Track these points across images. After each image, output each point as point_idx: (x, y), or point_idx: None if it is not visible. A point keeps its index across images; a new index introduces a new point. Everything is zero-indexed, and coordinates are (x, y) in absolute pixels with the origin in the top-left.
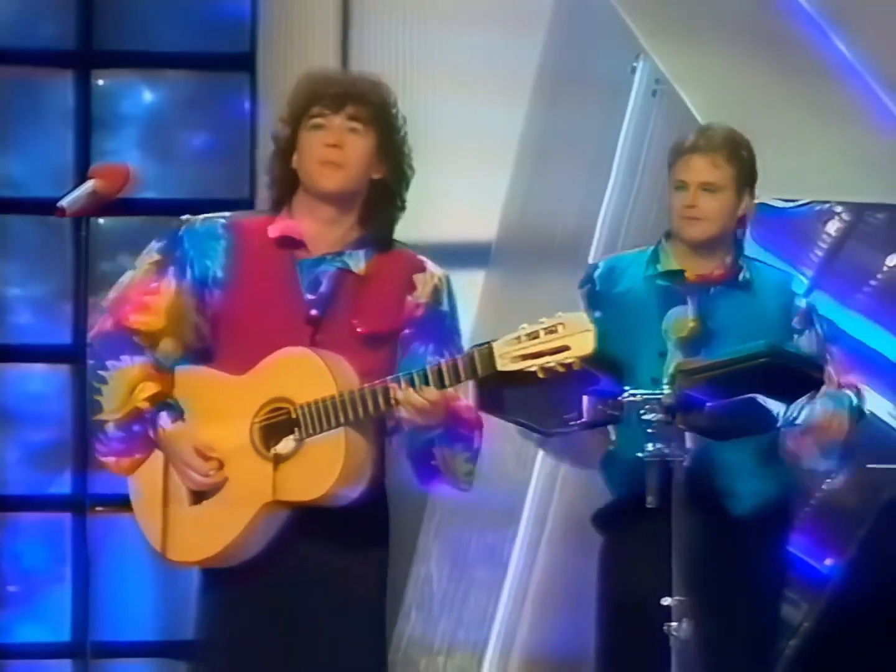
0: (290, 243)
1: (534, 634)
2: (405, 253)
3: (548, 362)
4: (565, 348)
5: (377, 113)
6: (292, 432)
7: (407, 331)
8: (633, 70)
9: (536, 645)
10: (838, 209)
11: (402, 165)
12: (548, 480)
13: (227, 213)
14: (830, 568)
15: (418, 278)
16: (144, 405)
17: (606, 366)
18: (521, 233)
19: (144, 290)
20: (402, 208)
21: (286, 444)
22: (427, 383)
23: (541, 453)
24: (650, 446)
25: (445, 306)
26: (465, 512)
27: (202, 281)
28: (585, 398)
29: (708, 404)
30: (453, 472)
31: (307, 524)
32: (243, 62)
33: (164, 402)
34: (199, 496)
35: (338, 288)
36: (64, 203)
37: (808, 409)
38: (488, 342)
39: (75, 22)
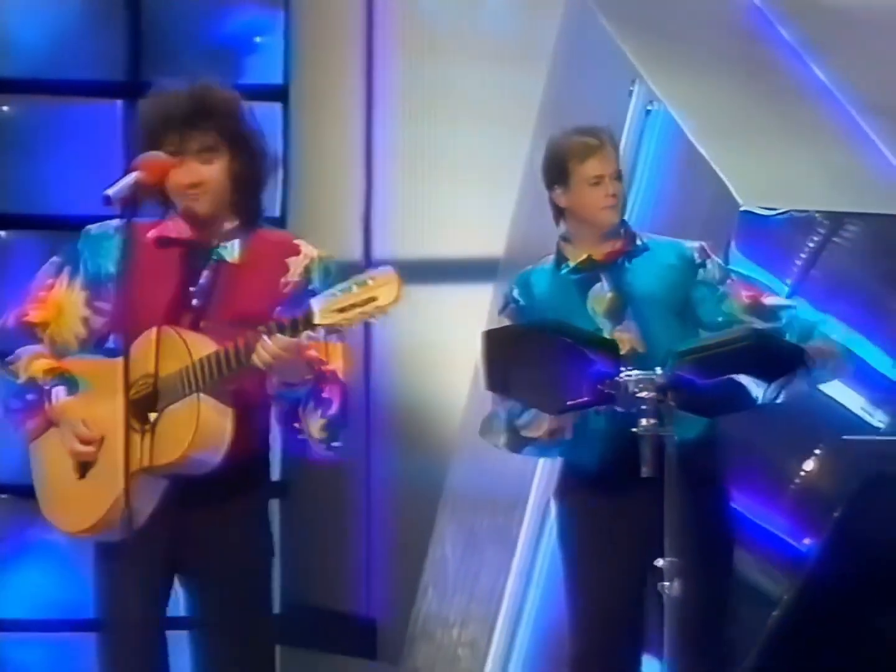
0: (167, 242)
1: (539, 608)
2: (281, 239)
3: (360, 313)
4: (374, 299)
5: (228, 133)
6: (155, 404)
7: (279, 309)
8: (630, 93)
9: (541, 617)
10: (817, 218)
11: (257, 159)
12: (551, 469)
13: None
14: (808, 547)
15: (291, 261)
16: (41, 377)
17: (601, 349)
18: (527, 248)
19: (40, 287)
20: (259, 185)
21: (153, 415)
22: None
23: None
24: (644, 422)
25: (315, 283)
26: (476, 499)
27: (95, 277)
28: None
29: (697, 383)
30: (312, 434)
31: (187, 494)
32: (276, 94)
33: (61, 377)
34: (84, 469)
35: (216, 278)
36: (110, 192)
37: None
38: (310, 302)
39: (125, 56)
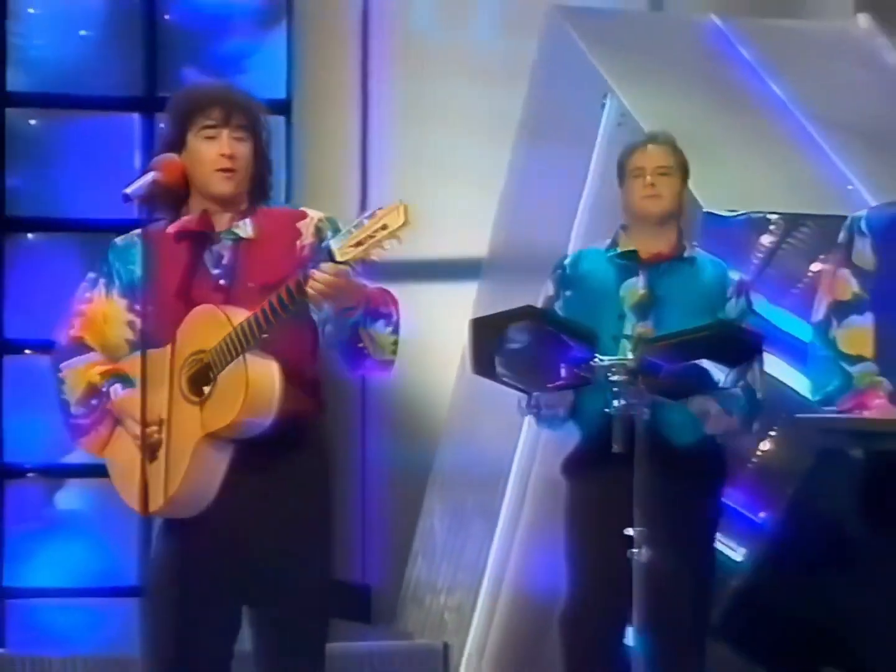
0: (188, 235)
1: (518, 576)
2: (285, 210)
3: (375, 242)
4: (385, 227)
5: (253, 121)
6: (209, 376)
7: (300, 271)
8: (603, 106)
9: (520, 584)
10: (772, 218)
11: (268, 147)
12: (531, 447)
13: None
14: (764, 519)
15: (301, 224)
16: (97, 379)
17: (578, 336)
18: (509, 249)
19: (80, 301)
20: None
21: (208, 387)
22: (298, 292)
23: (525, 425)
24: (616, 403)
25: (329, 240)
26: (461, 476)
27: (130, 284)
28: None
29: (664, 368)
30: (381, 347)
31: (250, 460)
32: (280, 107)
33: (117, 376)
34: (153, 454)
35: (237, 255)
36: (128, 190)
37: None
38: (328, 243)
39: (141, 73)
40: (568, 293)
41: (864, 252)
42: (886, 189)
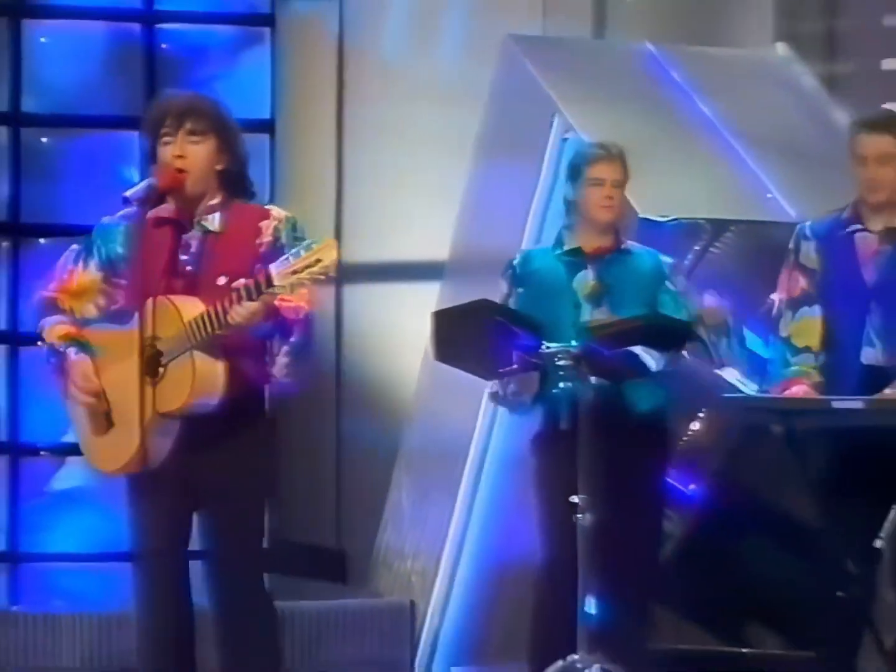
0: (162, 222)
1: (476, 542)
2: (255, 208)
3: (310, 273)
4: (319, 261)
5: (213, 122)
6: (160, 362)
7: (257, 266)
8: (550, 124)
9: (478, 550)
10: (700, 223)
11: (237, 146)
12: (487, 427)
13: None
14: (693, 491)
15: (263, 224)
16: (57, 342)
17: (527, 326)
18: (468, 252)
19: (63, 270)
20: (244, 166)
21: (159, 371)
22: (241, 297)
23: (482, 407)
24: (562, 385)
25: (283, 239)
26: (426, 454)
27: (109, 258)
28: (515, 351)
29: (604, 354)
30: (275, 361)
31: (197, 433)
32: (265, 126)
33: (75, 341)
34: (110, 421)
35: (203, 246)
36: (128, 193)
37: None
38: (268, 267)
39: (141, 94)
40: (521, 290)
41: (809, 254)
42: (801, 198)
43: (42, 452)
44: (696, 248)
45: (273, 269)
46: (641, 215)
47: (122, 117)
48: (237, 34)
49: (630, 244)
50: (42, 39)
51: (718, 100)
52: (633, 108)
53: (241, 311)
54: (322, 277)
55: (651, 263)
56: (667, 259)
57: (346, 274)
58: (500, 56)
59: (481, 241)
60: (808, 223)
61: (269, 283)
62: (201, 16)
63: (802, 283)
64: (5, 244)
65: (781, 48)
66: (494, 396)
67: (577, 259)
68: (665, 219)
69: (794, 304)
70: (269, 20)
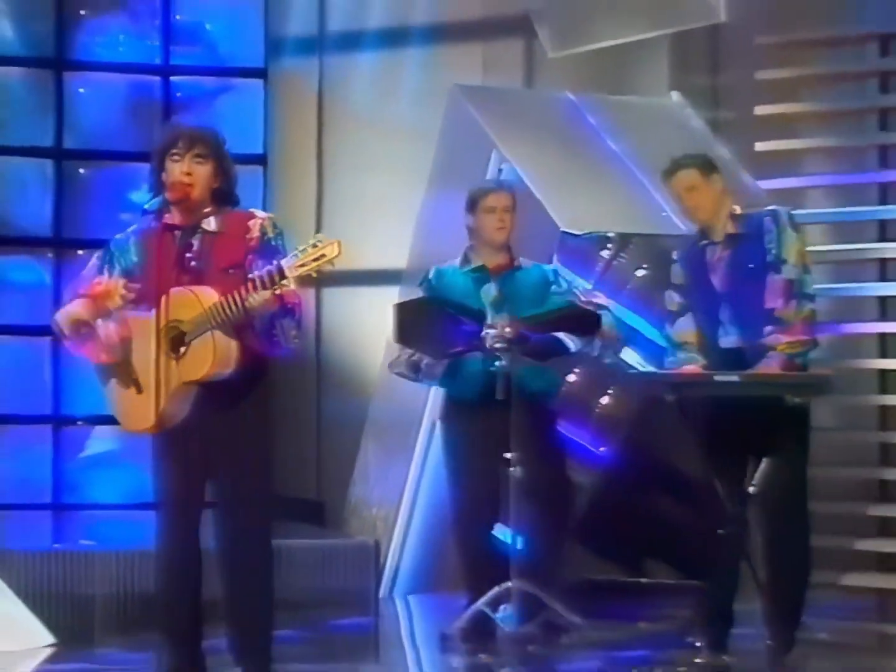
0: (170, 227)
1: (428, 494)
2: (243, 212)
3: (314, 267)
4: (324, 255)
5: (213, 149)
6: (183, 340)
7: (249, 257)
8: (489, 158)
9: (430, 499)
10: (610, 236)
11: (230, 174)
12: (435, 401)
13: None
14: (603, 452)
15: (251, 223)
16: (84, 317)
17: (469, 314)
18: (422, 262)
19: (90, 279)
20: (234, 184)
21: (181, 349)
22: (256, 287)
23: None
24: (497, 363)
25: (269, 235)
26: (388, 422)
27: (126, 267)
28: (459, 334)
29: (532, 338)
30: (286, 334)
31: (211, 398)
32: (258, 160)
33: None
34: (140, 387)
35: (204, 245)
36: (147, 206)
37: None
38: (280, 262)
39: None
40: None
41: (676, 272)
42: None
43: (78, 422)
44: (606, 256)
45: (285, 263)
46: (563, 230)
47: (144, 152)
48: (237, 84)
49: (522, 261)
50: (80, 90)
51: (624, 138)
52: (557, 145)
53: (258, 298)
54: (328, 268)
55: (539, 275)
56: (550, 267)
57: (325, 279)
58: (448, 102)
59: (432, 253)
60: (675, 246)
61: (282, 276)
62: (207, 69)
63: (676, 298)
64: (50, 255)
65: (675, 96)
66: (412, 366)
67: (482, 274)
68: (582, 232)
69: (674, 316)
70: (262, 73)
